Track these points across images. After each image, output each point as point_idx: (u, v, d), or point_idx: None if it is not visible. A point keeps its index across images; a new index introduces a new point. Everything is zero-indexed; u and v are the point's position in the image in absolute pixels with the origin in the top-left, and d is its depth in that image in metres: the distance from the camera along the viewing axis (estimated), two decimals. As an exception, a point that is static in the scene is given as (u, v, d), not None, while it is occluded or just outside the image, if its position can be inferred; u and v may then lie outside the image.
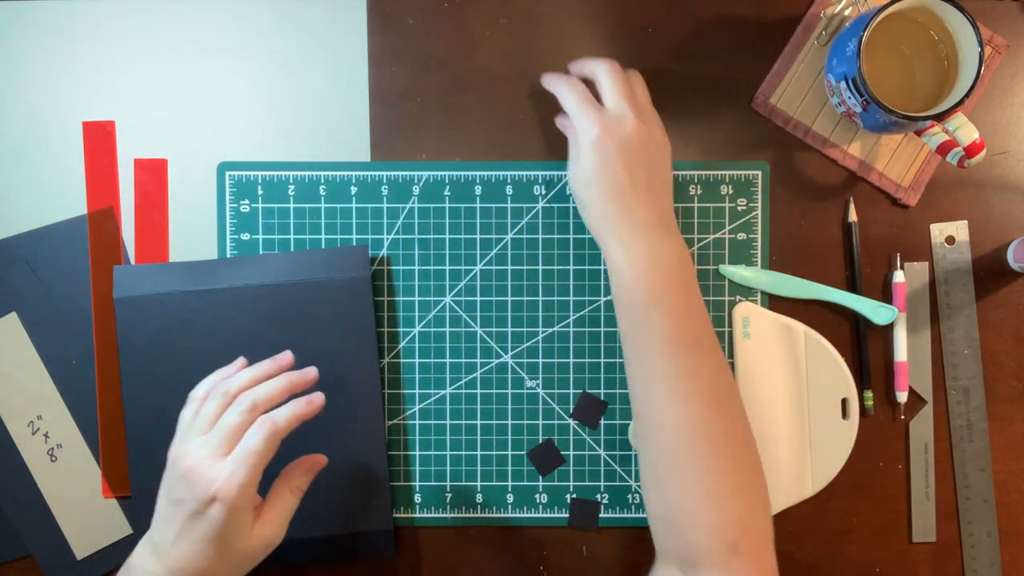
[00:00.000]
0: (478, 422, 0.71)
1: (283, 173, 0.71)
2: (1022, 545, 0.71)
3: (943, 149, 0.65)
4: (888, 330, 0.71)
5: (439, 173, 0.71)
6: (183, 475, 0.56)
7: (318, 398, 0.60)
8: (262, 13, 0.71)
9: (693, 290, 0.62)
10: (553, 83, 0.66)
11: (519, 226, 0.71)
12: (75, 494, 0.70)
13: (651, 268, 0.60)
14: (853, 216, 0.71)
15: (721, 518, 0.57)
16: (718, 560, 0.57)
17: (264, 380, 0.60)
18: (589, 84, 0.65)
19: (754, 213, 0.71)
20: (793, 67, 0.71)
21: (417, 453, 0.71)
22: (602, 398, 0.71)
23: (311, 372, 0.62)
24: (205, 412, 0.59)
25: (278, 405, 0.59)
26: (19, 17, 0.71)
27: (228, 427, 0.57)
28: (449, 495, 0.71)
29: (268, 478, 0.63)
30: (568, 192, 0.71)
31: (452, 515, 0.71)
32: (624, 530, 0.71)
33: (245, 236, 0.71)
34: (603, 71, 0.64)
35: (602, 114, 0.62)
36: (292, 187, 0.71)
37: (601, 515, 0.71)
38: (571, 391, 0.71)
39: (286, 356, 0.63)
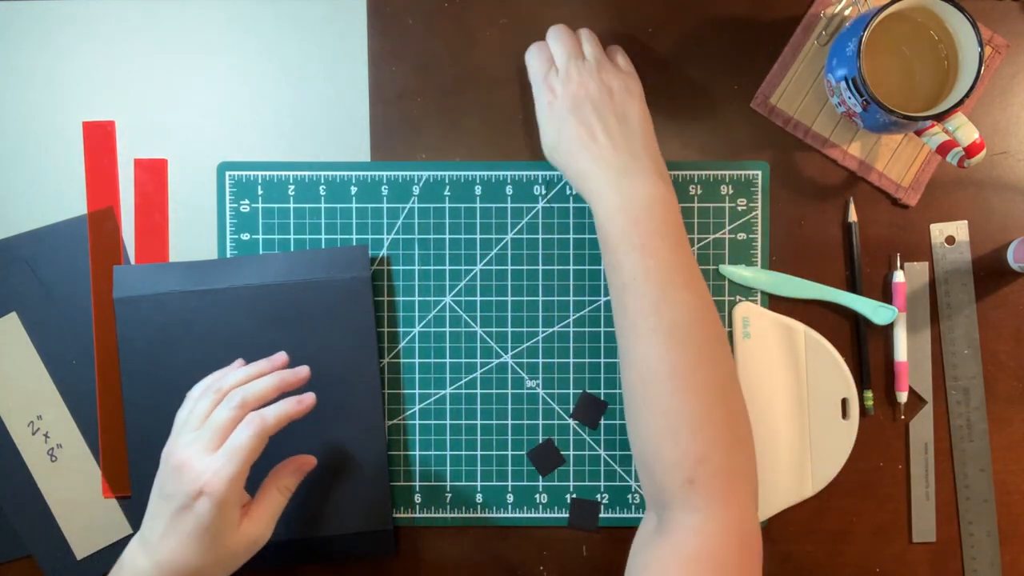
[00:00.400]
0: (478, 422, 0.71)
1: (283, 173, 0.71)
2: (1022, 545, 0.71)
3: (943, 149, 0.65)
4: (888, 330, 0.71)
5: (439, 173, 0.71)
6: (173, 469, 0.57)
7: (308, 398, 0.61)
8: (262, 13, 0.71)
9: (666, 227, 0.61)
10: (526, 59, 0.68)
11: (519, 226, 0.71)
12: (75, 494, 0.70)
13: (618, 208, 0.61)
14: (853, 216, 0.71)
15: (679, 452, 0.56)
16: (678, 496, 0.56)
17: (257, 379, 0.61)
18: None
19: (754, 213, 0.71)
20: (793, 67, 0.71)
21: (417, 453, 0.71)
22: (602, 398, 0.71)
23: (303, 371, 0.62)
24: (198, 409, 0.59)
25: (271, 403, 0.60)
26: (19, 17, 0.71)
27: (218, 423, 0.58)
28: (449, 495, 0.71)
29: (260, 477, 0.63)
30: (569, 192, 0.71)
31: (452, 515, 0.71)
32: (624, 530, 0.71)
33: (245, 236, 0.71)
34: (550, 35, 0.67)
35: (549, 79, 0.65)
36: (292, 187, 0.71)
37: (601, 515, 0.71)
38: (571, 391, 0.71)
39: (280, 356, 0.64)
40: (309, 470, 0.63)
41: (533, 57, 0.67)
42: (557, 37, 0.67)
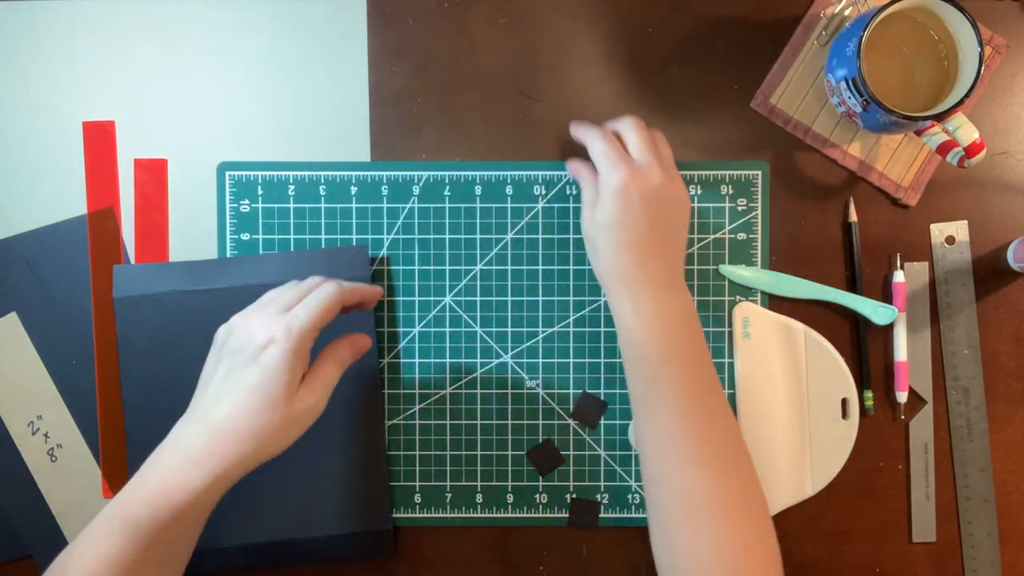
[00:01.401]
0: (478, 422, 0.71)
1: (283, 173, 0.71)
2: (1022, 545, 0.71)
3: (943, 149, 0.65)
4: (888, 330, 0.71)
5: (439, 173, 0.71)
6: (242, 327, 0.57)
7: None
8: (262, 13, 0.71)
9: (701, 347, 0.62)
10: (582, 131, 0.66)
11: (519, 226, 0.71)
12: (75, 494, 0.70)
13: (661, 325, 0.60)
14: (853, 216, 0.71)
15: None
16: None
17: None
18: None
19: (754, 213, 0.71)
20: (793, 67, 0.71)
21: (417, 453, 0.71)
22: (602, 398, 0.71)
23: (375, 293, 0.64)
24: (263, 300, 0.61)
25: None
26: (19, 17, 0.71)
27: (286, 296, 0.59)
28: (449, 495, 0.71)
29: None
30: (569, 192, 0.71)
31: (452, 515, 0.71)
32: (624, 530, 0.71)
33: (245, 236, 0.71)
34: (629, 124, 0.64)
35: (630, 163, 0.62)
36: (292, 187, 0.71)
37: (601, 515, 0.71)
38: (571, 391, 0.71)
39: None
40: (365, 350, 0.63)
41: (598, 132, 0.65)
42: (639, 129, 0.64)
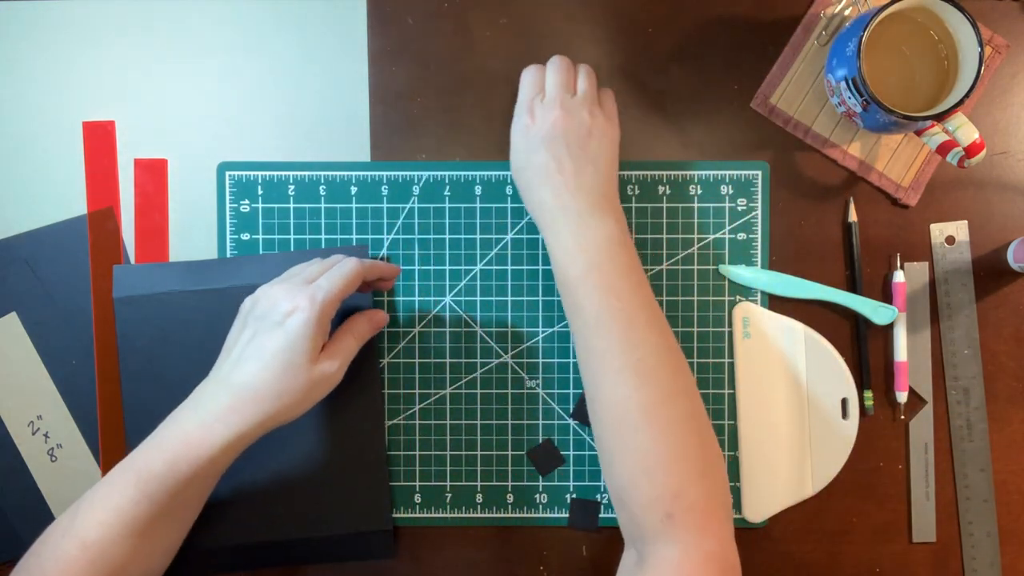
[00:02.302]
0: (478, 422, 0.71)
1: (283, 173, 0.71)
2: (1022, 545, 0.71)
3: (943, 149, 0.65)
4: (888, 330, 0.71)
5: (439, 173, 0.71)
6: (268, 296, 0.60)
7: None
8: (262, 13, 0.71)
9: (626, 268, 0.62)
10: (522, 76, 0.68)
11: (519, 226, 0.71)
12: (75, 494, 0.70)
13: (578, 250, 0.61)
14: (853, 216, 0.71)
15: (655, 489, 0.57)
16: (657, 531, 0.57)
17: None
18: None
19: (754, 213, 0.71)
20: (793, 67, 0.71)
21: (417, 453, 0.71)
22: (602, 398, 0.71)
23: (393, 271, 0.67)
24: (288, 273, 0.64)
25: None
26: (19, 17, 0.71)
27: (311, 269, 0.62)
28: (449, 495, 0.71)
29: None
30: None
31: (452, 515, 0.71)
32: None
33: (245, 236, 0.71)
34: (549, 64, 0.67)
35: (534, 103, 0.65)
36: (292, 187, 0.71)
37: (601, 515, 0.71)
38: (571, 391, 0.71)
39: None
40: (383, 325, 0.66)
41: (527, 77, 0.67)
42: (555, 67, 0.67)
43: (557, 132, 0.64)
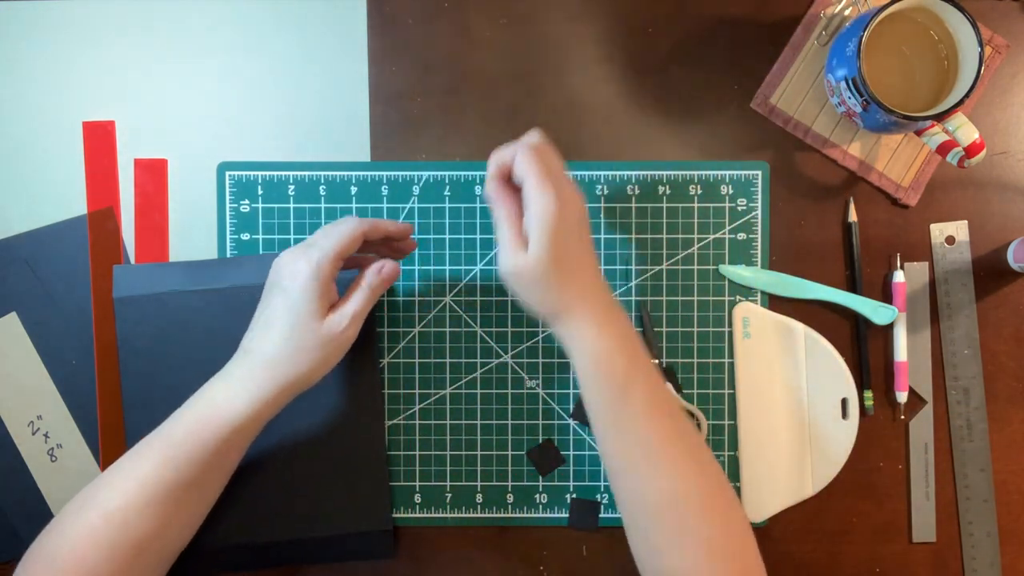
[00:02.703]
0: (478, 422, 0.71)
1: (283, 173, 0.71)
2: (1022, 545, 0.71)
3: (943, 149, 0.65)
4: (888, 330, 0.71)
5: (439, 173, 0.71)
6: (276, 264, 0.61)
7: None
8: (262, 13, 0.71)
9: (645, 352, 0.61)
10: (501, 158, 0.60)
11: (519, 226, 0.71)
12: (75, 494, 0.70)
13: (623, 338, 0.59)
14: (853, 216, 0.71)
15: (730, 571, 0.57)
16: None
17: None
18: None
19: (754, 213, 0.71)
20: (793, 67, 0.71)
21: (417, 453, 0.71)
22: (602, 398, 0.71)
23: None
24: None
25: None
26: (19, 17, 0.71)
27: (316, 233, 0.62)
28: (449, 495, 0.71)
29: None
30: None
31: (452, 515, 0.71)
32: (624, 530, 0.71)
33: (245, 236, 0.71)
34: (520, 155, 0.59)
35: (567, 177, 0.60)
36: (292, 187, 0.71)
37: (601, 515, 0.71)
38: (571, 391, 0.71)
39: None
40: (395, 278, 0.64)
41: (539, 152, 0.59)
42: (529, 156, 0.59)
43: (584, 217, 0.60)
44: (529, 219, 0.58)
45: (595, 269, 0.60)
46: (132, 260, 0.71)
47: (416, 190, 0.71)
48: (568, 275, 0.58)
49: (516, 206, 0.60)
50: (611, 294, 0.61)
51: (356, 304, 0.61)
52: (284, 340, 0.59)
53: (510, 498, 0.71)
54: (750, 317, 0.71)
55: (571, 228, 0.58)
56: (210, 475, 0.60)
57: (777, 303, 0.71)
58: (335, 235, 0.60)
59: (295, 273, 0.59)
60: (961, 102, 0.62)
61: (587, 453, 0.71)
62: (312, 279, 0.59)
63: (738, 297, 0.71)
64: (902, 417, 0.71)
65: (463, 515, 0.71)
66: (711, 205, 0.71)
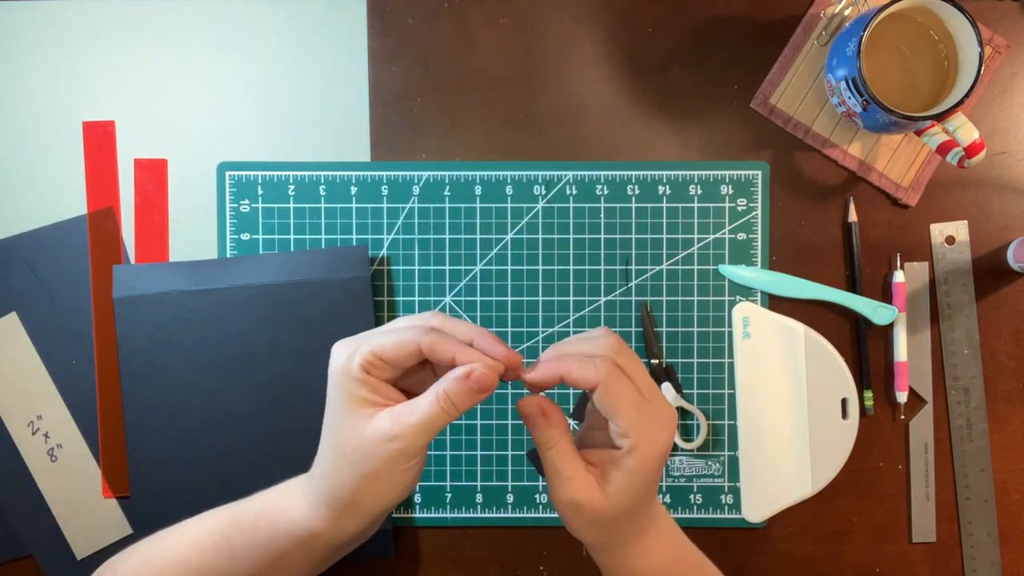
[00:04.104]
0: (478, 422, 0.71)
1: (283, 173, 0.71)
2: (1022, 545, 0.71)
3: (943, 149, 0.65)
4: (888, 330, 0.71)
5: (439, 173, 0.71)
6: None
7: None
8: (262, 13, 0.71)
9: None
10: (566, 371, 0.49)
11: (519, 226, 0.71)
12: (75, 494, 0.70)
13: (685, 545, 0.55)
14: (853, 216, 0.71)
15: None
16: None
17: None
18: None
19: (754, 213, 0.71)
20: (793, 67, 0.71)
21: (417, 453, 0.71)
22: (602, 398, 0.71)
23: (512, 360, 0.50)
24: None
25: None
26: (19, 17, 0.71)
27: (396, 322, 0.51)
28: (449, 495, 0.71)
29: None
30: (569, 192, 0.71)
31: (452, 515, 0.71)
32: (624, 530, 0.71)
33: (245, 236, 0.71)
34: (609, 382, 0.48)
35: (661, 428, 0.49)
36: (292, 187, 0.71)
37: (601, 515, 0.71)
38: (571, 391, 0.71)
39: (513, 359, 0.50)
40: (484, 389, 0.48)
41: (631, 370, 0.49)
42: (623, 353, 0.50)
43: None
44: (621, 460, 0.48)
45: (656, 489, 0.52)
46: (132, 260, 0.71)
47: (416, 190, 0.71)
48: (643, 510, 0.51)
49: (565, 420, 0.51)
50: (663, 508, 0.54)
51: (417, 414, 0.47)
52: (326, 447, 0.50)
53: (510, 498, 0.71)
54: (750, 317, 0.71)
55: (659, 471, 0.50)
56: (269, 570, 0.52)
57: (777, 303, 0.71)
58: (387, 333, 0.49)
59: (332, 361, 0.50)
60: (961, 102, 0.62)
61: (587, 453, 0.71)
62: (342, 373, 0.48)
63: (738, 297, 0.71)
64: (902, 417, 0.71)
65: (463, 515, 0.71)
66: (711, 205, 0.71)
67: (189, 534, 0.53)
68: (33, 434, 0.70)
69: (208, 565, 0.52)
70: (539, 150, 0.71)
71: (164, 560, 0.52)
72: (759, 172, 0.71)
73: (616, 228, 0.71)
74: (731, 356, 0.71)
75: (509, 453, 0.71)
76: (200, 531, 0.53)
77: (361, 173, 0.71)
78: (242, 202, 0.71)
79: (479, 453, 0.71)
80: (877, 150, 0.71)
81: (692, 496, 0.71)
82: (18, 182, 0.71)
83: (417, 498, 0.71)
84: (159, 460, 0.68)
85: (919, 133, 0.66)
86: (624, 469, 0.48)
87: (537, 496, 0.71)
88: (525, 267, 0.71)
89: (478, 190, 0.71)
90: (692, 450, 0.71)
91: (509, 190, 0.71)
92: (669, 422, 0.49)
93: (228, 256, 0.71)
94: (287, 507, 0.51)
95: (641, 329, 0.71)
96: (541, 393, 0.51)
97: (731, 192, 0.71)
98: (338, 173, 0.71)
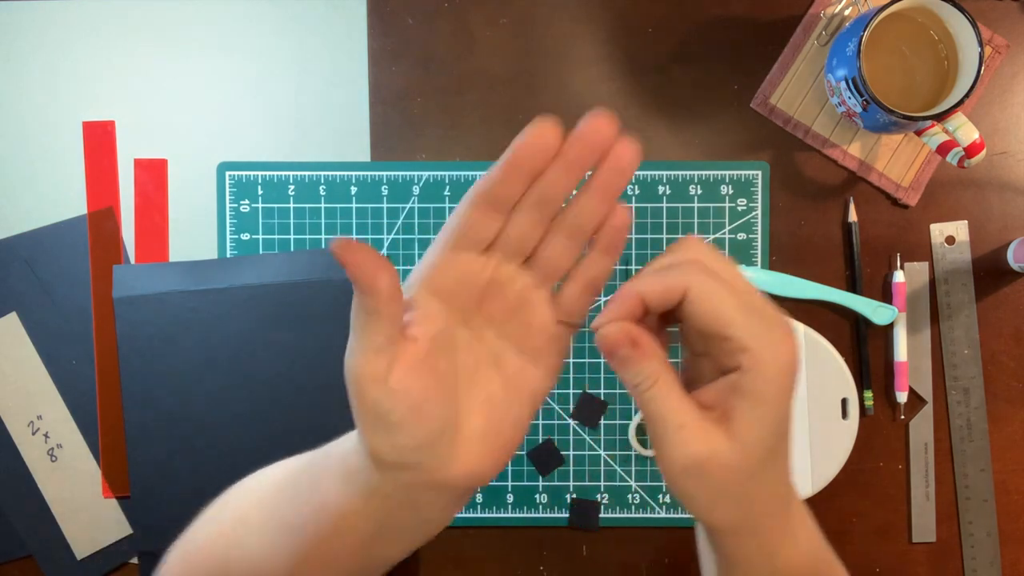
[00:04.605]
0: (478, 422, 0.71)
1: (283, 173, 0.71)
2: (1022, 545, 0.71)
3: (943, 149, 0.65)
4: (888, 330, 0.71)
5: (439, 173, 0.71)
6: None
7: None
8: (262, 13, 0.71)
9: None
10: (647, 288, 0.37)
11: (519, 226, 0.71)
12: (75, 494, 0.70)
13: (818, 534, 0.44)
14: (853, 216, 0.71)
15: None
16: None
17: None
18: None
19: (754, 213, 0.71)
20: (793, 67, 0.71)
21: (417, 453, 0.71)
22: (602, 398, 0.71)
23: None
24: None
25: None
26: (19, 17, 0.71)
27: None
28: (449, 495, 0.71)
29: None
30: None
31: (452, 515, 0.71)
32: (624, 530, 0.71)
33: (245, 236, 0.71)
34: (707, 286, 0.37)
35: (783, 338, 0.37)
36: (292, 187, 0.71)
37: (601, 515, 0.71)
38: (571, 391, 0.71)
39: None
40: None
41: (726, 271, 0.38)
42: (717, 257, 0.38)
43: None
44: (743, 383, 0.36)
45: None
46: (132, 260, 0.71)
47: (416, 190, 0.71)
48: (782, 464, 0.40)
49: (662, 351, 0.38)
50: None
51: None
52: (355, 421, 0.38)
53: (510, 498, 0.71)
54: (750, 317, 0.71)
55: (792, 394, 0.38)
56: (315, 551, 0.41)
57: (777, 303, 0.71)
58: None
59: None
60: (961, 102, 0.62)
61: (587, 453, 0.71)
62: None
63: (738, 297, 0.71)
64: (902, 417, 0.71)
65: (463, 515, 0.71)
66: (711, 205, 0.71)
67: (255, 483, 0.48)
68: (33, 434, 0.70)
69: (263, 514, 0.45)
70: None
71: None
72: (759, 172, 0.71)
73: (616, 228, 0.71)
74: (731, 356, 0.71)
75: (509, 453, 0.71)
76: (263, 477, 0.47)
77: (361, 173, 0.71)
78: (242, 202, 0.71)
79: (479, 453, 0.71)
80: (877, 150, 0.71)
81: (692, 496, 0.71)
82: (18, 182, 0.71)
83: (417, 498, 0.71)
84: (159, 460, 0.68)
85: (919, 133, 0.66)
86: (750, 395, 0.36)
87: (537, 496, 0.71)
88: (525, 267, 0.71)
89: (478, 190, 0.71)
90: (692, 450, 0.71)
91: (509, 190, 0.71)
92: (790, 329, 0.38)
93: (228, 256, 0.71)
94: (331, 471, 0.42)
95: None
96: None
97: (731, 192, 0.71)
98: (338, 173, 0.71)
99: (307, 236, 0.71)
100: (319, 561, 0.42)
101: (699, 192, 0.71)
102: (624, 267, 0.71)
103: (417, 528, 0.43)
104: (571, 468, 0.71)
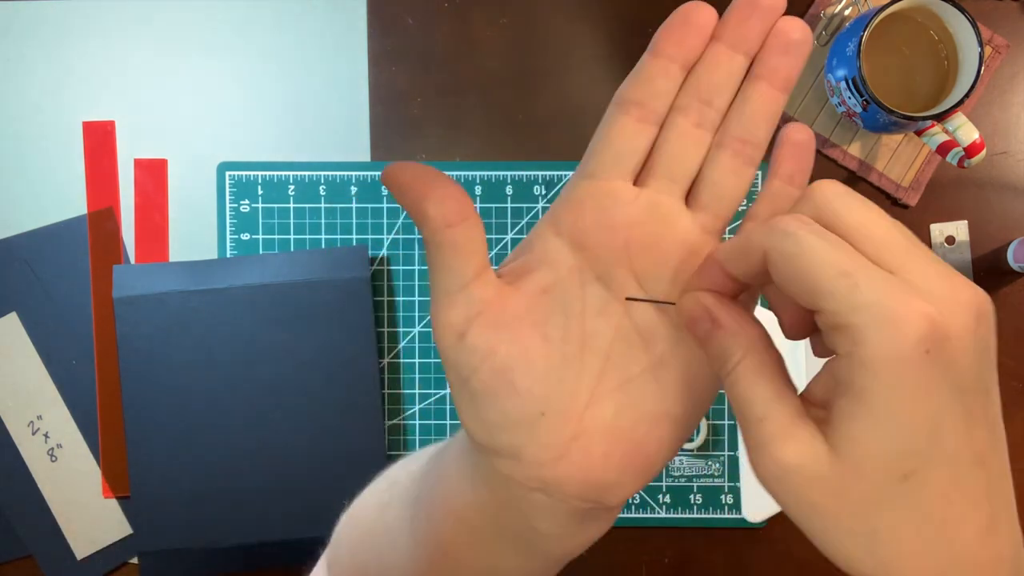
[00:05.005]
0: (478, 422, 0.71)
1: (283, 173, 0.71)
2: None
3: (943, 149, 0.65)
4: (888, 330, 0.71)
5: (439, 173, 0.71)
6: None
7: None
8: (262, 13, 0.71)
9: None
10: (742, 249, 0.30)
11: (519, 226, 0.71)
12: (75, 494, 0.70)
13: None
14: (853, 216, 0.71)
15: None
16: None
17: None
18: None
19: (754, 213, 0.71)
20: (793, 67, 0.71)
21: (417, 453, 0.71)
22: (602, 398, 0.71)
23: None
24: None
25: None
26: (19, 17, 0.71)
27: None
28: (449, 495, 0.71)
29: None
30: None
31: (452, 515, 0.71)
32: (624, 530, 0.71)
33: (245, 236, 0.71)
34: (784, 220, 0.29)
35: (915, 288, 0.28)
36: (292, 187, 0.71)
37: (601, 515, 0.71)
38: (571, 391, 0.71)
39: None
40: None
41: (805, 235, 0.29)
42: (857, 201, 0.30)
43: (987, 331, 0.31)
44: (844, 374, 0.27)
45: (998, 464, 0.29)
46: (132, 260, 0.71)
47: (416, 190, 0.71)
48: (961, 507, 0.28)
49: (753, 328, 0.31)
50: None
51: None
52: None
53: (510, 498, 0.71)
54: (750, 317, 0.71)
55: (942, 392, 0.28)
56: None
57: (777, 303, 0.71)
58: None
59: None
60: (961, 102, 0.62)
61: (587, 453, 0.71)
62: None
63: (738, 297, 0.71)
64: (902, 417, 0.71)
65: (463, 515, 0.71)
66: (711, 205, 0.71)
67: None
68: (33, 434, 0.70)
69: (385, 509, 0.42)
70: (539, 150, 0.71)
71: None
72: (759, 172, 0.71)
73: (616, 228, 0.71)
74: (731, 356, 0.71)
75: (509, 453, 0.71)
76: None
77: (361, 173, 0.71)
78: (242, 202, 0.71)
79: (479, 453, 0.71)
80: (877, 150, 0.71)
81: (692, 496, 0.71)
82: (18, 182, 0.71)
83: (417, 498, 0.71)
84: (159, 460, 0.68)
85: (919, 133, 0.66)
86: (850, 392, 0.27)
87: (537, 496, 0.71)
88: (525, 267, 0.71)
89: (478, 190, 0.71)
90: (692, 450, 0.71)
91: (509, 190, 0.71)
92: (962, 295, 0.29)
93: (228, 256, 0.71)
94: (450, 472, 0.37)
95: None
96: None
97: (731, 192, 0.71)
98: (338, 173, 0.71)
99: (307, 236, 0.71)
100: (440, 550, 0.36)
101: (699, 192, 0.71)
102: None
103: (533, 543, 0.34)
104: (571, 468, 0.71)
